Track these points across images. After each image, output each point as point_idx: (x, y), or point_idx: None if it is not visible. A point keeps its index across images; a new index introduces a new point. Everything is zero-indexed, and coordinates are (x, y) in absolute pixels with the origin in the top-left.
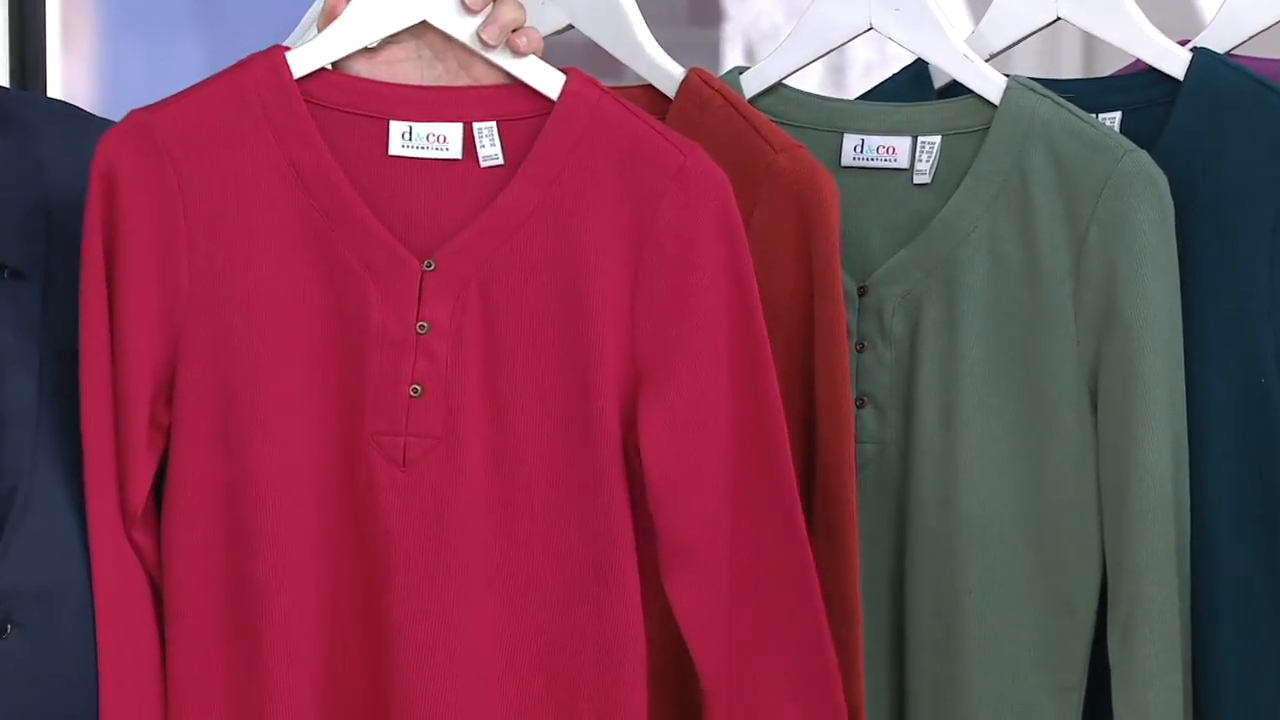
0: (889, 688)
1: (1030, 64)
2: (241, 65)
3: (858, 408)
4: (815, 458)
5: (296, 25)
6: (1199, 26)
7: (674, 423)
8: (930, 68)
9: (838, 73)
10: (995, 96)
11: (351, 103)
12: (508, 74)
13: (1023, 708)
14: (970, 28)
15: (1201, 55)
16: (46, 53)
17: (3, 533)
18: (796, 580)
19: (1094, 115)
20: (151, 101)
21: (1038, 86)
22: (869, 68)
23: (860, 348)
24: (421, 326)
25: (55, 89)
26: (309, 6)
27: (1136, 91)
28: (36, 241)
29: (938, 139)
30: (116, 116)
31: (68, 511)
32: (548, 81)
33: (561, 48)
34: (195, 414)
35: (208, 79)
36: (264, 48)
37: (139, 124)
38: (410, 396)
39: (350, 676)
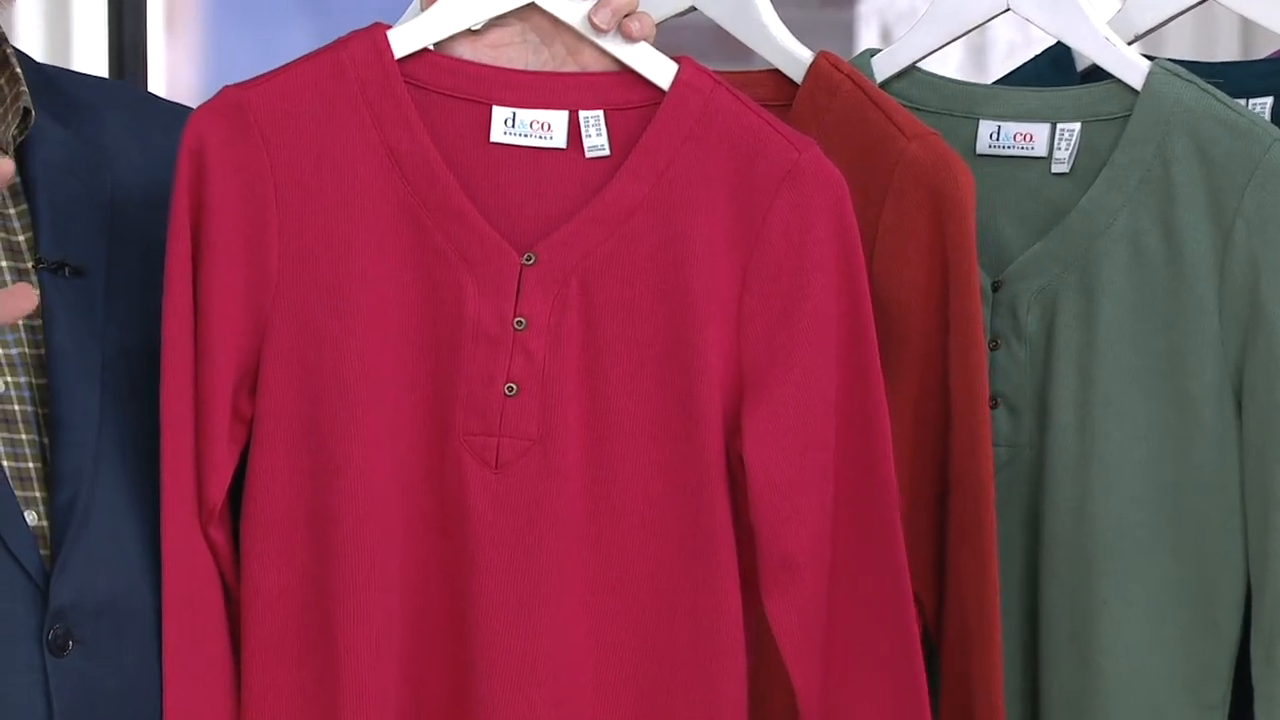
0: (1022, 703)
1: (1184, 46)
2: (341, 43)
3: (991, 409)
4: (949, 462)
5: (405, 10)
6: None
7: (780, 430)
8: (1073, 50)
9: (978, 54)
10: (1137, 82)
11: (453, 86)
12: (617, 61)
13: None
14: (1116, 7)
15: None
16: (148, 40)
17: (62, 545)
18: (892, 597)
19: (1243, 101)
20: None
21: (1182, 71)
22: (1012, 49)
23: (993, 345)
24: (519, 322)
25: (158, 78)
26: None
27: None
28: (98, 236)
29: (1077, 126)
30: None
31: (132, 520)
32: (659, 70)
33: (684, 31)
34: (280, 406)
35: (305, 56)
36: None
37: (231, 101)
38: (505, 395)
39: (434, 687)
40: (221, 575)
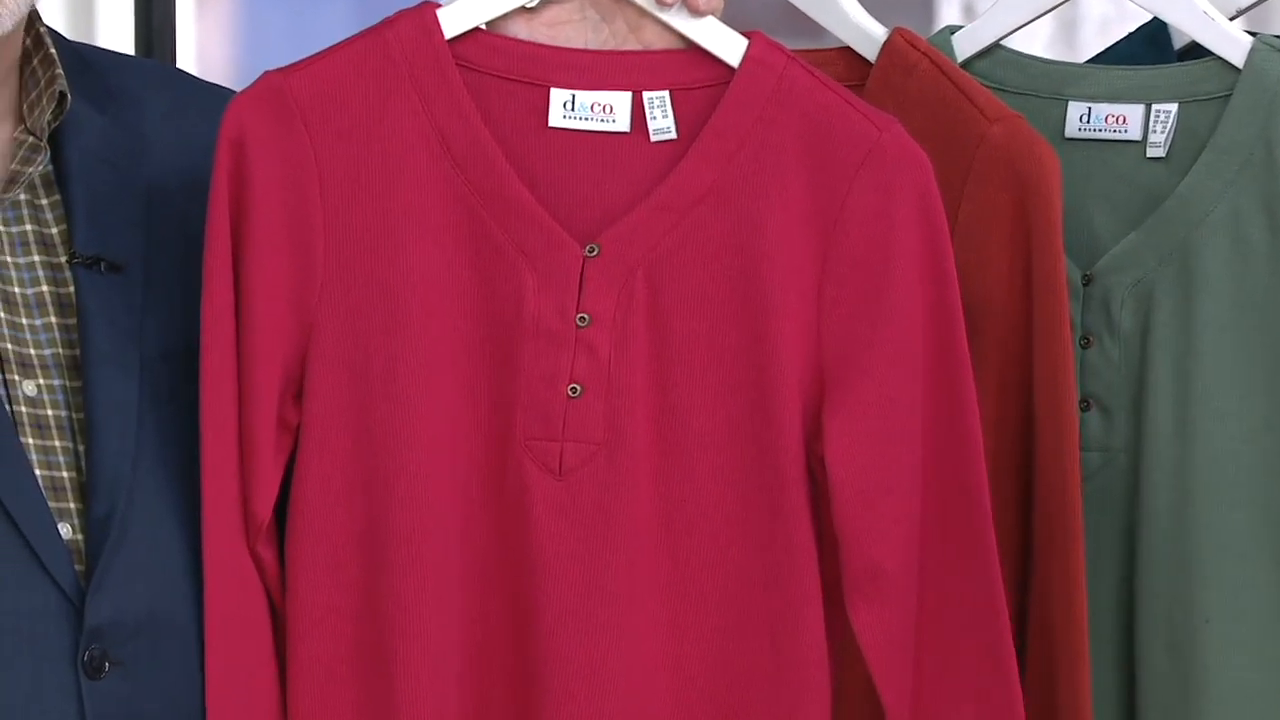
0: None
1: None
2: (387, 23)
3: (1081, 410)
4: (1035, 467)
5: None
6: None
7: (864, 430)
8: (1170, 26)
9: (1069, 30)
10: (1238, 59)
11: (508, 67)
12: (683, 37)
13: None
14: None
15: None
16: (177, 15)
17: (98, 559)
18: (986, 608)
19: None
20: None
21: None
22: (1105, 24)
23: (1084, 343)
24: (582, 319)
25: (187, 56)
26: None
27: None
28: (136, 230)
29: (1174, 107)
30: None
31: (173, 533)
32: (728, 46)
33: (750, 5)
34: (328, 413)
35: (349, 39)
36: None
37: (272, 87)
38: (568, 397)
39: (496, 710)
40: (268, 594)
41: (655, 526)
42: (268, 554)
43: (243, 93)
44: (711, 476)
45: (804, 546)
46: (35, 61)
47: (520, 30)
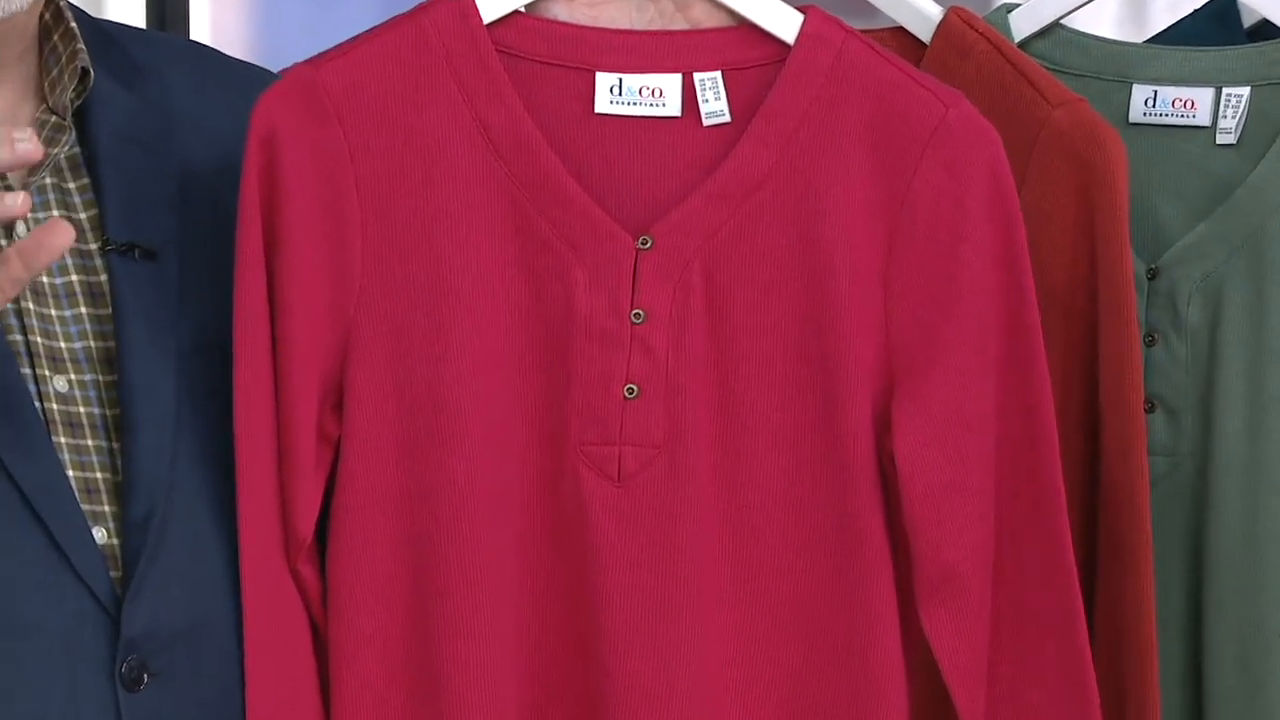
0: None
1: None
2: (422, 9)
3: (1146, 412)
4: (1098, 473)
5: None
6: None
7: (937, 423)
8: (1239, 3)
9: (1135, 6)
10: None
11: (551, 52)
12: (733, 14)
13: None
14: None
15: None
16: None
17: (136, 566)
18: (1063, 611)
19: None
20: (314, 51)
21: None
22: (1176, 1)
23: (1149, 341)
24: (636, 315)
25: (201, 29)
26: None
27: None
28: (170, 214)
29: (1246, 90)
30: (273, 67)
31: (213, 539)
32: (782, 22)
33: None
34: (370, 423)
35: (382, 25)
36: None
37: (303, 80)
38: (624, 398)
39: None
40: (310, 617)
41: (721, 532)
42: (311, 574)
43: (272, 87)
44: (778, 478)
45: (876, 549)
46: (56, 37)
47: (561, 12)
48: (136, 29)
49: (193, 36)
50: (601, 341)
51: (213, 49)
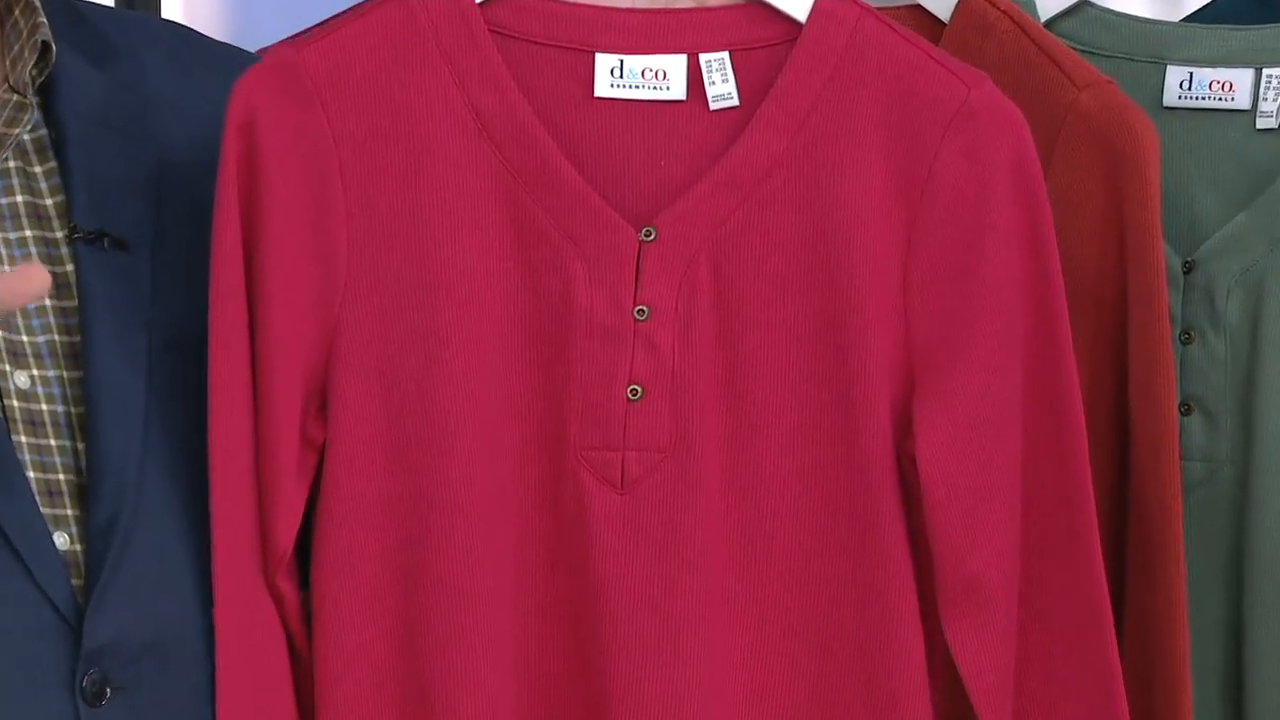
0: None
1: None
2: None
3: (1182, 415)
4: (1127, 479)
5: None
6: None
7: (961, 424)
8: None
9: None
10: None
11: (547, 32)
12: None
13: None
14: None
15: None
16: None
17: (99, 574)
18: (1092, 626)
19: None
20: (294, 31)
21: None
22: None
23: (1185, 339)
24: (640, 311)
25: (172, 7)
26: None
27: None
28: (143, 201)
29: None
30: (248, 46)
31: (183, 547)
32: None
33: None
34: (357, 426)
35: (368, 4)
36: None
37: (284, 63)
38: (628, 400)
39: None
40: (288, 635)
41: (730, 541)
42: (290, 589)
43: (251, 70)
44: (791, 483)
45: (898, 558)
46: (17, 11)
47: None
48: (110, 8)
49: (163, 14)
50: (603, 339)
51: (192, 30)
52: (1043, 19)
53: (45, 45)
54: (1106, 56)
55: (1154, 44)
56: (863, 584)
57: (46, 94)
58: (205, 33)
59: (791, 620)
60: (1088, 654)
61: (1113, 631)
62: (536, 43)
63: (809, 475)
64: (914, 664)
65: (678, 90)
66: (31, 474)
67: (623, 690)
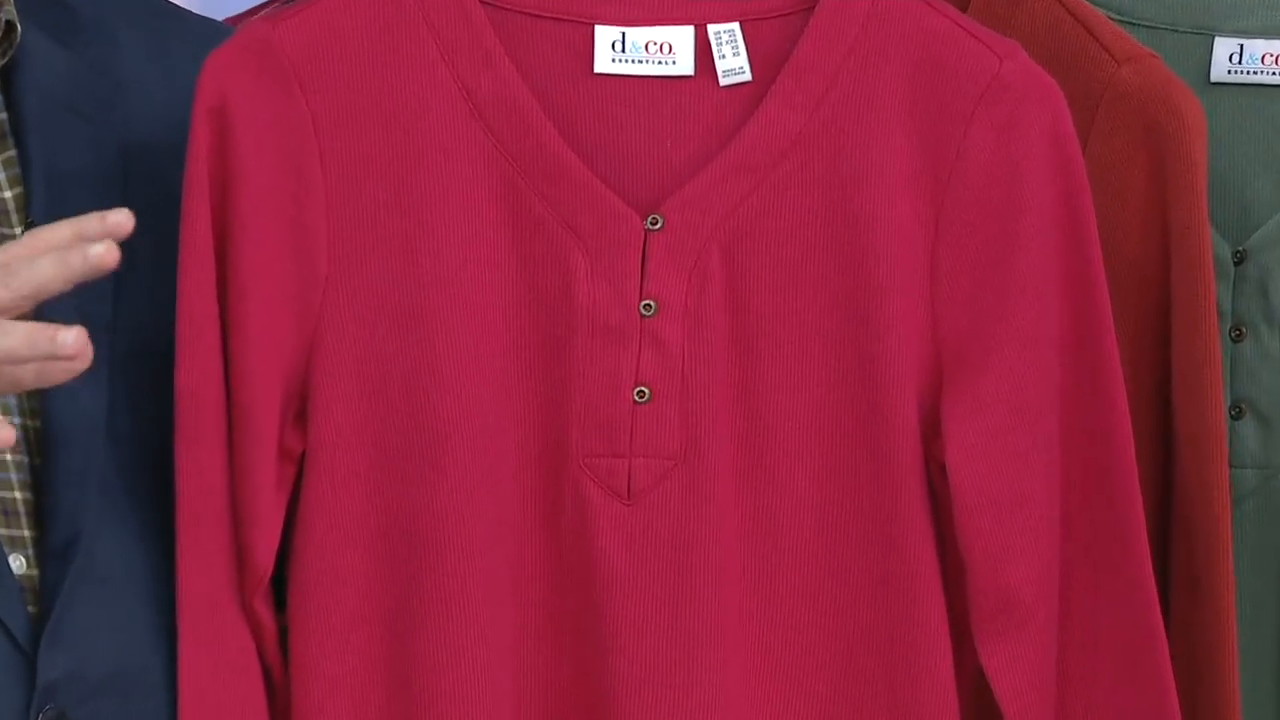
0: None
1: None
2: None
3: (1232, 418)
4: (1172, 486)
5: None
6: None
7: (994, 427)
8: None
9: None
10: None
11: (543, 3)
12: None
13: None
14: None
15: None
16: None
17: (55, 600)
18: (1142, 643)
19: None
20: (272, 6)
21: None
22: None
23: (1235, 335)
24: (646, 306)
25: None
26: None
27: None
28: (109, 196)
29: None
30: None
31: (146, 572)
32: None
33: None
34: (341, 435)
35: None
36: None
37: (258, 40)
38: (634, 403)
39: None
40: (263, 662)
41: (745, 556)
42: (267, 612)
43: (221, 48)
44: (810, 491)
45: (925, 573)
46: None
47: None
48: None
49: None
50: (606, 338)
51: (172, 5)
52: None
53: (10, 25)
54: (1148, 27)
55: (1200, 14)
56: (887, 601)
57: (8, 74)
58: (186, 7)
59: (812, 642)
60: (1139, 678)
61: (1167, 656)
62: (532, 15)
63: (829, 483)
64: (941, 685)
65: (685, 65)
66: None
67: (631, 712)
